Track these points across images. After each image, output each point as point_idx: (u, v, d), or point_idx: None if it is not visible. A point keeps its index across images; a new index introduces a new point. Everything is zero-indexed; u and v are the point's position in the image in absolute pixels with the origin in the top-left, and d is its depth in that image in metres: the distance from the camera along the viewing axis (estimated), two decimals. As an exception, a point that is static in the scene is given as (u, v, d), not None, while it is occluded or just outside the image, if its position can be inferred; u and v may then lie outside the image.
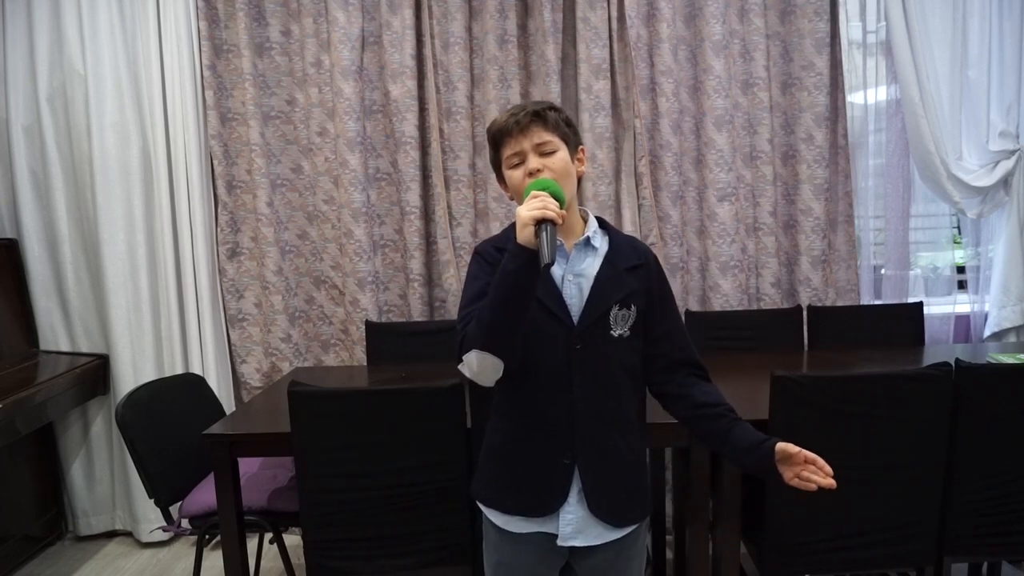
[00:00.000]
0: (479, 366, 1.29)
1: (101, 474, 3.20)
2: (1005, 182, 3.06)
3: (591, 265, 1.38)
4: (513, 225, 1.28)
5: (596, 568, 1.43)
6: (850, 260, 3.12)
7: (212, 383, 2.83)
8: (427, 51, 3.02)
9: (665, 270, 3.12)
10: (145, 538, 3.14)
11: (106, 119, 2.99)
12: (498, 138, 1.37)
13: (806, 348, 2.86)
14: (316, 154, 3.14)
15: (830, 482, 1.25)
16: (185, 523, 2.29)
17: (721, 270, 3.10)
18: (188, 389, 2.55)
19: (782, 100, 3.12)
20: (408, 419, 1.87)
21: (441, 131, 3.08)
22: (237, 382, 3.22)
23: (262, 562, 2.80)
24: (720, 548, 2.02)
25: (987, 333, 3.18)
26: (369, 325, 2.95)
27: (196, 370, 3.05)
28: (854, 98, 3.22)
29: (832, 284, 3.14)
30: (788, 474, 1.29)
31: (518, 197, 1.35)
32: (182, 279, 3.10)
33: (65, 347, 3.15)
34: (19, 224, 3.07)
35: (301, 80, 3.13)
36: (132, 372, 3.06)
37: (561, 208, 1.24)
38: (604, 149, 3.04)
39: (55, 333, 3.14)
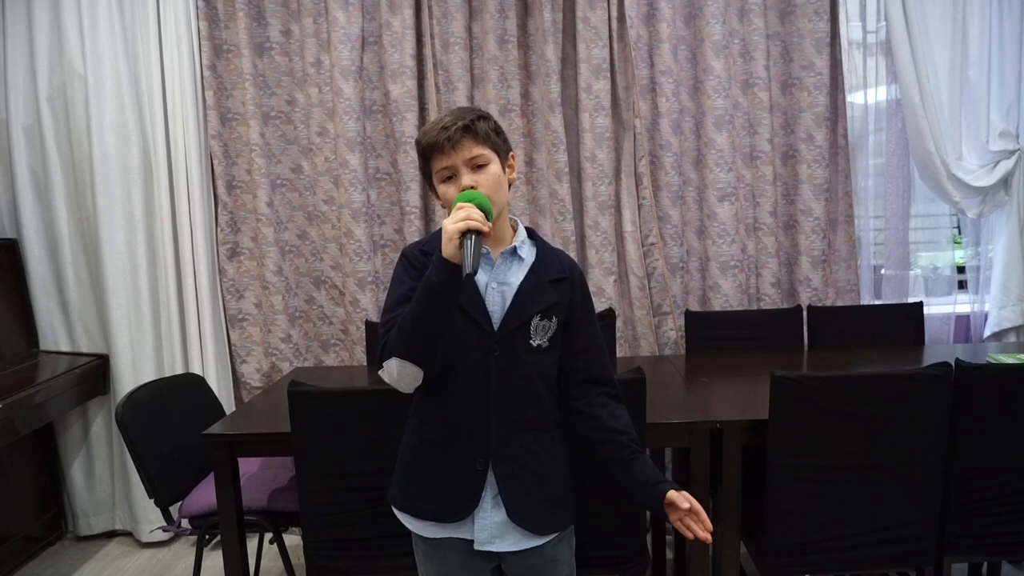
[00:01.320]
0: (399, 374, 1.31)
1: (101, 474, 3.20)
2: (1005, 182, 3.07)
3: (516, 274, 1.39)
4: (440, 231, 1.29)
5: (523, 573, 1.44)
6: (850, 260, 3.12)
7: (212, 383, 2.83)
8: (427, 51, 3.03)
9: (665, 270, 3.13)
10: (145, 538, 3.14)
11: (106, 119, 2.99)
12: (428, 152, 1.36)
13: (806, 348, 2.86)
14: (316, 154, 3.14)
15: (706, 536, 1.30)
16: (185, 523, 2.29)
17: (721, 270, 3.10)
18: (188, 389, 2.55)
19: (782, 100, 3.12)
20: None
21: (441, 131, 3.08)
22: (237, 382, 3.22)
23: (262, 562, 2.80)
24: (720, 548, 2.02)
25: (987, 333, 3.18)
26: (369, 325, 2.95)
27: (196, 370, 3.05)
28: (854, 98, 3.22)
29: (832, 284, 3.14)
30: (673, 517, 1.33)
31: (450, 210, 1.35)
32: (182, 279, 3.10)
33: (65, 347, 3.15)
34: (19, 224, 3.07)
35: (301, 80, 3.13)
36: (132, 372, 3.06)
37: (488, 219, 1.24)
38: (604, 149, 3.04)
39: (55, 333, 3.14)
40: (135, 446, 2.17)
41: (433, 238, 1.40)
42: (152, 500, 2.22)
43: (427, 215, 3.13)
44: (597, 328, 1.49)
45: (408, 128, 3.03)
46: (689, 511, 1.30)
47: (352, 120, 3.04)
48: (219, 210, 3.15)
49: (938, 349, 2.82)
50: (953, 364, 1.84)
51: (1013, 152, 3.04)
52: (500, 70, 3.05)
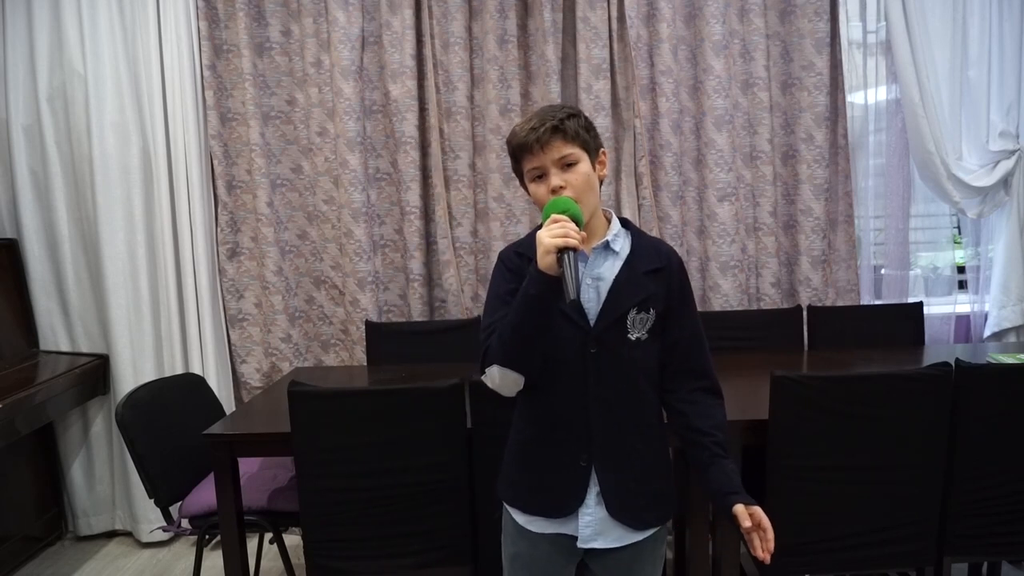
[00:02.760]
0: (501, 380, 1.33)
1: (101, 474, 3.20)
2: (1005, 182, 3.06)
3: (610, 268, 1.38)
4: (536, 230, 1.29)
5: (613, 570, 1.43)
6: (850, 260, 3.12)
7: (212, 383, 2.83)
8: (427, 51, 3.02)
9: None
10: (145, 538, 3.14)
11: (106, 119, 2.99)
12: (518, 152, 1.36)
13: (806, 348, 2.86)
14: (316, 154, 3.14)
15: (764, 556, 1.28)
16: (185, 523, 2.29)
17: (721, 270, 3.10)
18: (188, 389, 2.55)
19: (782, 100, 3.12)
20: (408, 419, 1.87)
21: (441, 131, 3.08)
22: (237, 382, 3.22)
23: (262, 562, 2.80)
24: (720, 548, 2.02)
25: (987, 333, 3.18)
26: (369, 325, 2.95)
27: (196, 370, 3.05)
28: (854, 98, 3.22)
29: (832, 284, 3.14)
30: (742, 529, 1.31)
31: (541, 209, 1.35)
32: (182, 279, 3.10)
33: (65, 347, 3.14)
34: (19, 224, 3.07)
35: (301, 80, 3.13)
36: (132, 372, 3.06)
37: (580, 226, 1.25)
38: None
39: (55, 333, 3.14)
40: (135, 446, 2.18)
41: (529, 238, 1.41)
42: (152, 500, 2.22)
43: (427, 215, 3.13)
44: (696, 318, 1.46)
45: (408, 128, 3.03)
46: (754, 527, 1.29)
47: (352, 120, 3.04)
48: (219, 210, 3.15)
49: (938, 349, 2.82)
50: (953, 364, 1.84)
51: (1013, 152, 3.04)
52: (500, 70, 3.05)
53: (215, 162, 3.11)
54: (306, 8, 3.06)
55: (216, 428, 2.09)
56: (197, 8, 3.01)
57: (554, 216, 1.25)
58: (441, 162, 3.07)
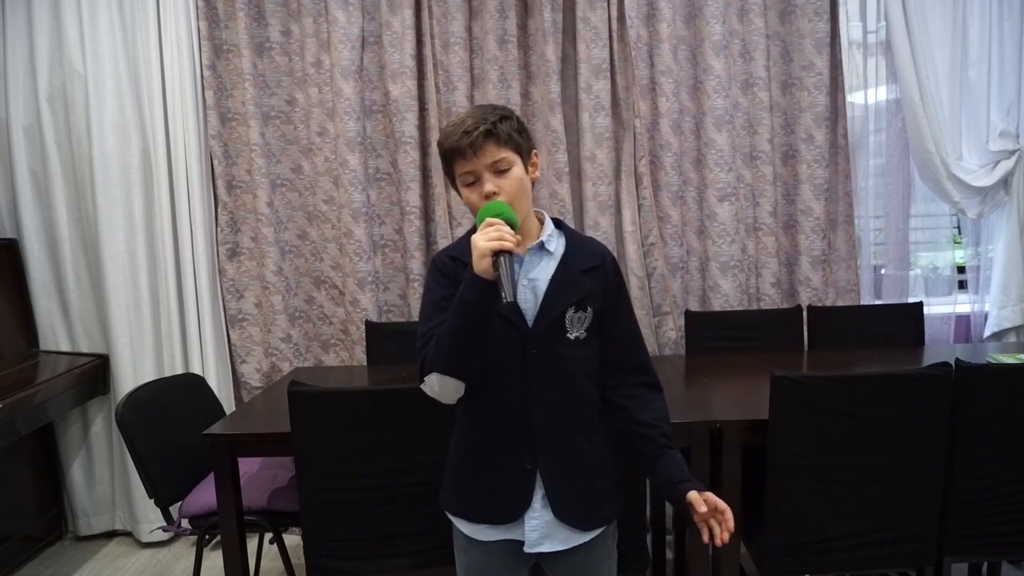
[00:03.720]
0: (440, 388, 1.32)
1: (101, 474, 3.20)
2: (1005, 182, 3.06)
3: (545, 268, 1.38)
4: (468, 235, 1.29)
5: (565, 572, 1.43)
6: (850, 260, 3.12)
7: (212, 383, 2.83)
8: (427, 51, 3.02)
9: (665, 270, 3.11)
10: (145, 538, 3.14)
11: (106, 119, 2.99)
12: (449, 156, 1.34)
13: (806, 348, 2.86)
14: (316, 154, 3.14)
15: (723, 538, 1.28)
16: (185, 523, 2.29)
17: (721, 270, 3.10)
18: (188, 389, 2.55)
19: (782, 100, 3.12)
20: (408, 419, 1.87)
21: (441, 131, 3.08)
22: (237, 382, 3.22)
23: (262, 562, 2.80)
24: (720, 548, 2.02)
25: (987, 333, 3.18)
26: (369, 325, 2.95)
27: (196, 370, 3.05)
28: (854, 98, 3.22)
29: (832, 284, 3.14)
30: (695, 517, 1.32)
31: (474, 214, 1.35)
32: (182, 279, 3.10)
33: (65, 347, 3.14)
34: (19, 224, 3.07)
35: (301, 80, 3.13)
36: (132, 372, 3.06)
37: (515, 230, 1.25)
38: (604, 149, 3.04)
39: (55, 333, 3.14)
40: (135, 446, 2.18)
41: (462, 243, 1.40)
42: (152, 500, 2.22)
43: (427, 215, 3.13)
44: (632, 315, 1.47)
45: (408, 128, 3.03)
46: (711, 512, 1.29)
47: (352, 120, 3.04)
48: (219, 210, 3.15)
49: (938, 349, 2.82)
50: (953, 364, 1.84)
51: (1013, 152, 3.04)
52: (500, 70, 3.05)
53: (215, 162, 3.11)
54: (306, 8, 3.06)
55: (216, 428, 2.09)
56: (197, 8, 3.01)
57: (488, 220, 1.25)
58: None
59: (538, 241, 1.39)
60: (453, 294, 1.30)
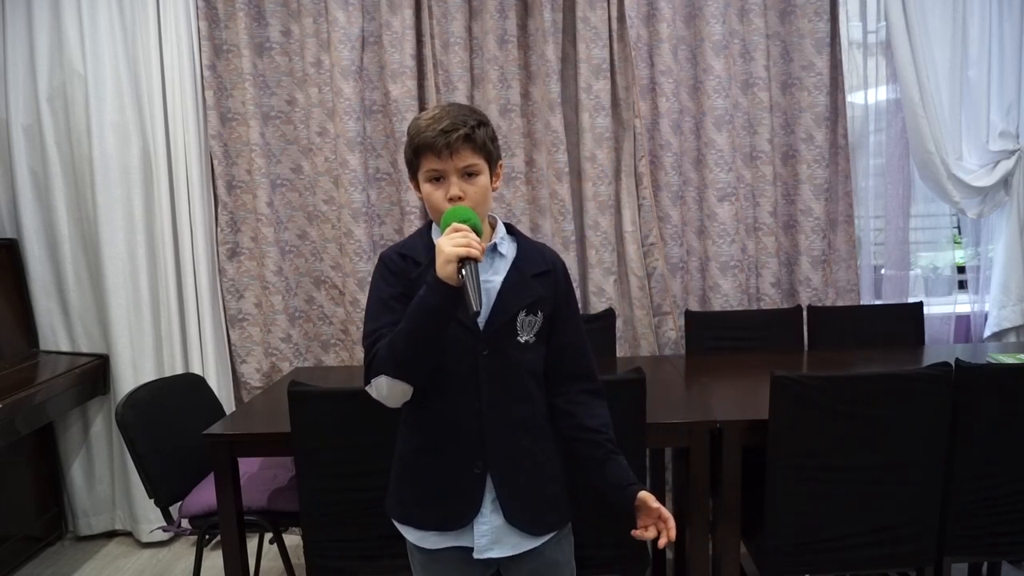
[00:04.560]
0: (388, 391, 1.30)
1: (101, 474, 3.20)
2: (1005, 182, 3.06)
3: (498, 270, 1.38)
4: (420, 233, 1.29)
5: None
6: (850, 260, 3.12)
7: (212, 383, 2.83)
8: (427, 51, 3.02)
9: (665, 270, 3.11)
10: (145, 538, 3.14)
11: (106, 119, 2.99)
12: (421, 149, 1.31)
13: (806, 348, 2.86)
14: (316, 154, 3.14)
15: (662, 541, 1.31)
16: (185, 523, 2.29)
17: (721, 270, 3.10)
18: (188, 389, 2.55)
19: (782, 100, 3.12)
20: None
21: (441, 131, 3.08)
22: (237, 382, 3.22)
23: (262, 562, 2.80)
24: (720, 548, 2.02)
25: (987, 333, 3.18)
26: (369, 325, 2.94)
27: (196, 370, 3.05)
28: (854, 98, 3.22)
29: (832, 284, 3.14)
30: (640, 523, 1.33)
31: (432, 212, 1.35)
32: (182, 279, 3.10)
33: (65, 347, 3.14)
34: (19, 224, 3.07)
35: (301, 80, 3.13)
36: (132, 372, 3.06)
37: (479, 236, 1.24)
38: (604, 149, 3.04)
39: (55, 333, 3.14)
40: (135, 446, 2.17)
41: (412, 240, 1.40)
42: (152, 500, 2.22)
43: (427, 215, 3.12)
44: (580, 322, 1.48)
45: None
46: (659, 518, 1.31)
47: (352, 120, 3.04)
48: (219, 210, 3.15)
49: (938, 349, 2.82)
50: (953, 364, 1.84)
51: (1013, 152, 3.04)
52: (500, 70, 3.05)
53: (215, 162, 3.11)
54: (306, 8, 3.06)
55: (216, 428, 2.09)
56: (197, 8, 3.01)
57: (455, 225, 1.23)
58: (441, 162, 3.07)
59: (491, 243, 1.38)
60: (402, 293, 1.30)
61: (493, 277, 1.37)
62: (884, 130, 3.18)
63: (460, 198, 1.30)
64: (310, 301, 3.23)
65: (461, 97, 3.05)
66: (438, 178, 1.32)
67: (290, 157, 3.18)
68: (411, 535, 1.42)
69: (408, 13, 3.01)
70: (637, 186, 3.08)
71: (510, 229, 1.45)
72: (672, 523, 1.31)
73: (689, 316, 2.92)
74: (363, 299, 3.09)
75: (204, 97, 3.07)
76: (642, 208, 3.08)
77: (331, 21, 3.00)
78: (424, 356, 1.28)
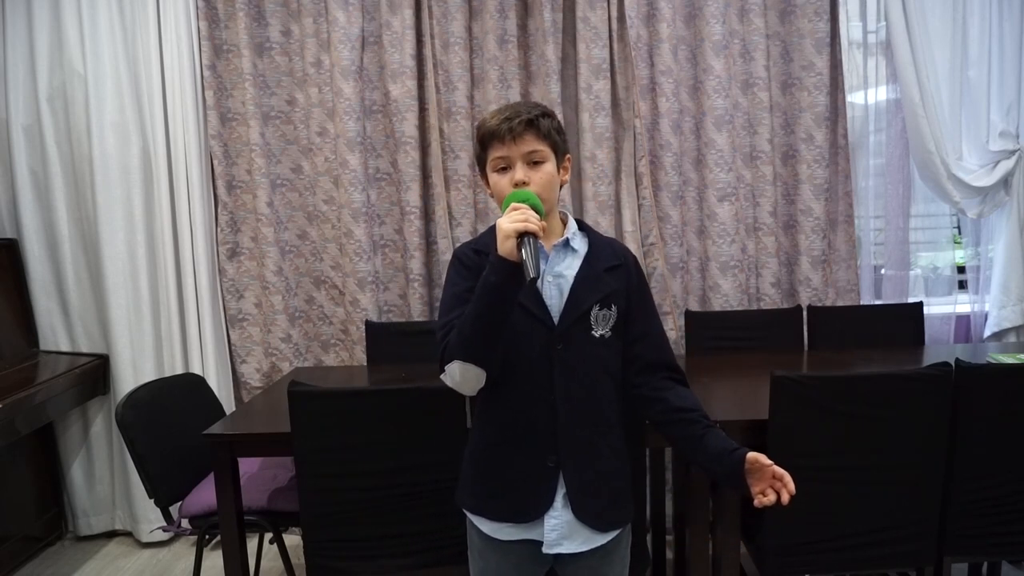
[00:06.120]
0: (461, 376, 1.31)
1: (101, 474, 3.20)
2: (1005, 182, 3.06)
3: (570, 265, 1.39)
4: (492, 228, 1.28)
5: (582, 573, 1.42)
6: (850, 260, 3.12)
7: (212, 383, 2.83)
8: (427, 51, 3.02)
9: (665, 270, 3.11)
10: (145, 538, 3.14)
11: (106, 119, 2.99)
12: (486, 140, 1.36)
13: (806, 348, 2.86)
14: (316, 154, 3.14)
15: (785, 498, 1.26)
16: (185, 523, 2.29)
17: (721, 270, 3.10)
18: (188, 389, 2.55)
19: (782, 100, 3.12)
20: (408, 419, 1.87)
21: (441, 131, 3.08)
22: (237, 382, 3.22)
23: (262, 562, 2.80)
24: (720, 548, 2.02)
25: (987, 333, 3.18)
26: (369, 325, 2.95)
27: (196, 370, 3.05)
28: (854, 98, 3.22)
29: (832, 284, 3.14)
30: (755, 489, 1.28)
31: (499, 201, 1.35)
32: (182, 279, 3.10)
33: (65, 347, 3.14)
34: (19, 224, 3.07)
35: (301, 80, 3.13)
36: (132, 372, 3.06)
37: (541, 219, 1.24)
38: (604, 149, 3.04)
39: (55, 333, 3.14)
40: (135, 446, 2.18)
41: (484, 236, 1.40)
42: (152, 500, 2.22)
43: (427, 215, 3.13)
44: (656, 313, 1.48)
45: (408, 128, 3.03)
46: (773, 476, 1.25)
47: (352, 120, 3.04)
48: (219, 210, 3.15)
49: (938, 349, 2.82)
50: (953, 364, 1.84)
51: (1013, 152, 3.04)
52: (500, 70, 3.05)
53: (215, 162, 3.11)
54: (306, 8, 3.06)
55: (216, 428, 2.09)
56: (197, 8, 3.01)
57: (514, 204, 1.25)
58: (441, 162, 3.07)
59: (563, 238, 1.40)
60: (475, 287, 1.30)
61: (566, 272, 1.38)
62: (884, 130, 3.18)
63: (525, 183, 1.32)
64: (310, 301, 3.23)
65: (461, 97, 3.05)
66: (504, 168, 1.35)
67: (290, 157, 3.18)
68: (485, 527, 1.42)
69: (408, 13, 3.01)
70: (637, 186, 3.08)
71: (581, 225, 1.46)
72: (788, 478, 1.25)
73: (689, 316, 2.92)
74: (363, 299, 3.10)
75: (204, 97, 3.07)
76: (642, 208, 3.08)
77: (331, 21, 3.00)
78: (491, 337, 1.27)
